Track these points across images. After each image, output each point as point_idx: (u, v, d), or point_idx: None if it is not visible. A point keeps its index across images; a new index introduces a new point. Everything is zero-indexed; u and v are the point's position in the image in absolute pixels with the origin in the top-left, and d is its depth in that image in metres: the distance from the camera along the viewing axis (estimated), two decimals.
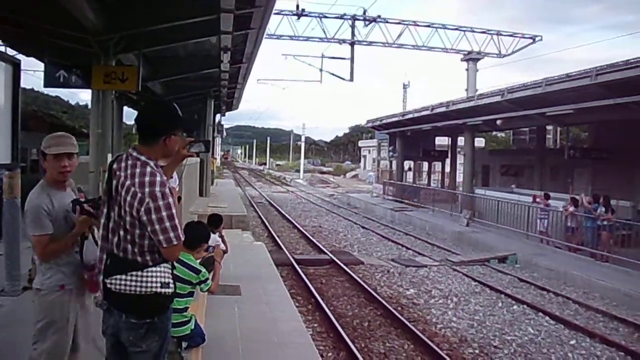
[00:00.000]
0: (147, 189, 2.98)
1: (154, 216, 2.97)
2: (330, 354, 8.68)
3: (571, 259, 16.21)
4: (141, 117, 3.33)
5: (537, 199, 19.40)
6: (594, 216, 16.46)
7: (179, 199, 5.29)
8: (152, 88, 19.20)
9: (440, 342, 9.50)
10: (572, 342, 9.90)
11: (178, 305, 4.56)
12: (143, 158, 3.10)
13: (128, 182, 3.05)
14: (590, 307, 12.15)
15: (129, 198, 3.02)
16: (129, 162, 3.13)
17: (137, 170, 3.06)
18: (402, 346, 9.28)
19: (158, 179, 3.03)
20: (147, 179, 3.01)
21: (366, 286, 12.88)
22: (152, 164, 3.09)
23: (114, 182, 3.16)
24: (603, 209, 16.40)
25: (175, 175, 4.55)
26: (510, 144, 45.56)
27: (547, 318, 11.23)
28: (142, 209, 2.97)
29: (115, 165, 3.19)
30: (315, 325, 10.09)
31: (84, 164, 13.32)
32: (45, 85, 12.90)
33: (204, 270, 5.07)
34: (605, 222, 16.08)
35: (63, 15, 10.47)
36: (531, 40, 36.35)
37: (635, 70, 14.87)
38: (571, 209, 17.51)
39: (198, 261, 5.20)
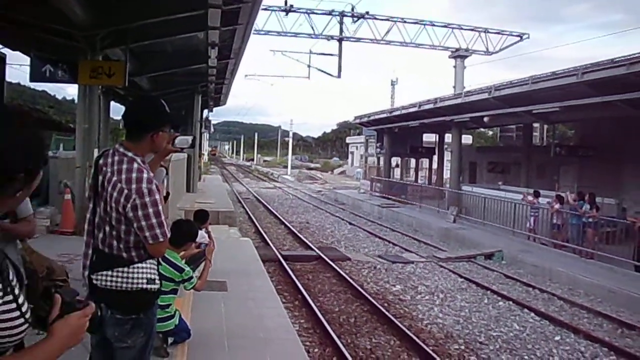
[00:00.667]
0: (134, 186, 2.98)
1: (140, 213, 2.97)
2: (316, 350, 8.69)
3: (557, 256, 16.32)
4: (129, 112, 3.31)
5: (529, 197, 19.45)
6: (579, 213, 16.60)
7: (167, 195, 5.27)
8: (139, 83, 19.13)
9: (426, 338, 9.54)
10: (557, 338, 9.97)
11: (161, 302, 4.56)
12: (130, 154, 3.09)
13: (115, 178, 3.05)
14: (574, 304, 12.25)
15: (115, 194, 3.01)
16: (116, 157, 3.12)
17: (124, 166, 3.05)
18: (388, 342, 9.31)
19: (145, 175, 3.02)
20: (134, 175, 3.00)
21: (353, 282, 12.90)
22: (139, 160, 3.09)
23: (100, 177, 3.15)
24: (588, 206, 16.55)
25: (162, 171, 4.54)
26: (498, 141, 45.72)
27: (532, 314, 11.30)
28: (129, 205, 2.97)
29: (101, 161, 3.18)
30: (302, 321, 10.09)
31: (70, 159, 13.29)
32: (31, 80, 12.81)
33: (187, 268, 5.07)
34: (590, 220, 16.21)
35: (49, 9, 10.42)
36: (518, 38, 36.51)
37: (620, 68, 15.00)
38: (556, 206, 17.64)
39: (183, 260, 5.20)
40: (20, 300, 1.32)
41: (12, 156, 1.37)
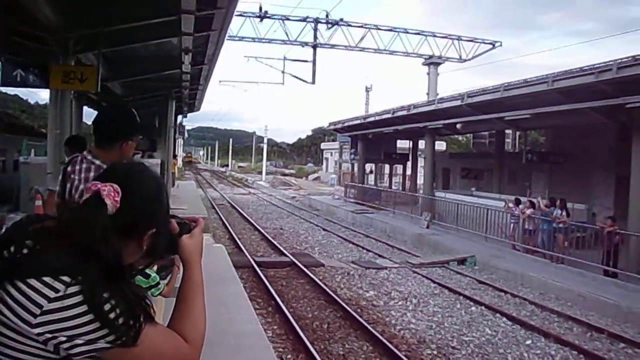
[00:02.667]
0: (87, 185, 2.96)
1: None
2: (289, 356, 8.68)
3: (528, 261, 16.52)
4: (100, 120, 3.29)
5: (510, 204, 19.56)
6: (551, 219, 16.82)
7: None
8: (112, 88, 18.93)
9: (399, 344, 9.58)
10: (528, 342, 10.09)
11: None
12: (98, 162, 3.07)
13: (82, 186, 3.01)
14: (545, 308, 12.40)
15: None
16: (84, 165, 3.09)
17: (91, 174, 3.03)
18: (361, 347, 9.33)
19: None
20: None
21: (326, 288, 12.91)
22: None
23: (68, 185, 3.12)
24: (559, 212, 16.77)
25: None
26: (471, 148, 46.13)
27: (504, 319, 11.42)
28: None
29: (69, 168, 3.15)
30: (275, 327, 10.08)
31: (42, 164, 13.11)
32: (2, 84, 12.65)
33: (154, 274, 5.03)
34: (561, 225, 16.44)
35: (20, 11, 10.28)
36: (491, 46, 36.93)
37: (589, 77, 15.25)
38: (528, 211, 17.85)
39: (155, 267, 5.15)
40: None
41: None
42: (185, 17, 11.26)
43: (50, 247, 1.26)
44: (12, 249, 1.26)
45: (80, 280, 1.21)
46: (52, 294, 1.19)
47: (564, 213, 16.74)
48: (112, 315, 1.23)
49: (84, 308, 1.20)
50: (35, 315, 1.18)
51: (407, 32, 35.80)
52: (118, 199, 1.38)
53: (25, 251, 1.25)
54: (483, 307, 12.20)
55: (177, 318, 1.52)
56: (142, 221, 1.46)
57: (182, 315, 1.52)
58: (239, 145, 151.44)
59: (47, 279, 1.20)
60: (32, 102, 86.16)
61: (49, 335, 1.19)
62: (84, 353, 1.24)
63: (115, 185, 1.39)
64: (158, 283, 5.02)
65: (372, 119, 32.71)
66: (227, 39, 17.53)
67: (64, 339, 1.20)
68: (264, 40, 33.54)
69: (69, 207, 1.47)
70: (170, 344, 1.41)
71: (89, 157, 3.10)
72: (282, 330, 9.92)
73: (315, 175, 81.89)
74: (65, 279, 1.20)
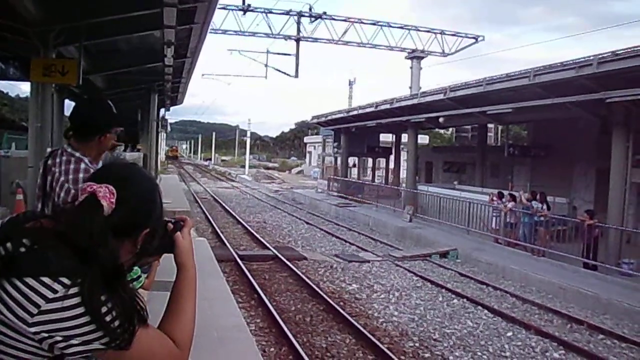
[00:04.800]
0: (80, 185, 2.95)
1: None
2: (272, 349, 8.70)
3: (510, 254, 16.67)
4: (78, 113, 3.29)
5: (493, 198, 19.70)
6: (532, 212, 16.97)
7: None
8: (94, 81, 18.80)
9: (381, 336, 9.63)
10: (509, 334, 10.19)
11: None
12: (77, 154, 3.06)
13: (62, 178, 3.01)
14: (526, 300, 12.53)
15: (62, 194, 2.98)
16: (64, 158, 3.08)
17: (72, 166, 3.03)
18: (343, 340, 9.36)
19: None
20: (80, 175, 2.98)
21: (309, 281, 12.94)
22: (86, 160, 3.06)
23: (49, 178, 3.11)
24: (540, 206, 16.93)
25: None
26: (453, 141, 46.35)
27: (485, 311, 11.53)
28: None
29: (49, 162, 3.14)
30: (258, 320, 10.09)
31: (23, 158, 12.98)
32: None
33: (135, 268, 5.02)
34: (542, 218, 16.61)
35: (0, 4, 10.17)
36: (474, 40, 37.00)
37: (570, 71, 15.38)
38: (509, 205, 18.00)
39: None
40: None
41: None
42: (168, 10, 11.18)
43: (48, 247, 1.26)
44: (8, 246, 1.26)
45: (79, 282, 1.22)
46: (50, 295, 1.20)
47: (545, 207, 16.91)
48: (108, 318, 1.24)
49: (81, 310, 1.21)
50: (32, 314, 1.19)
51: (391, 26, 35.79)
52: (114, 200, 1.39)
53: (22, 250, 1.26)
54: (465, 300, 12.30)
55: (168, 319, 1.54)
56: (137, 221, 1.47)
57: (173, 317, 1.55)
58: (222, 138, 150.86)
59: (45, 279, 1.20)
60: (12, 95, 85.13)
61: (45, 335, 1.20)
62: (78, 353, 1.25)
63: (111, 187, 1.40)
64: (139, 276, 5.02)
65: (355, 112, 32.77)
66: (210, 32, 17.51)
67: (59, 338, 1.21)
68: (247, 34, 33.39)
69: (65, 207, 1.47)
70: (161, 347, 1.43)
71: (69, 150, 3.09)
72: (265, 324, 9.93)
73: (299, 168, 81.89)
74: (64, 280, 1.21)
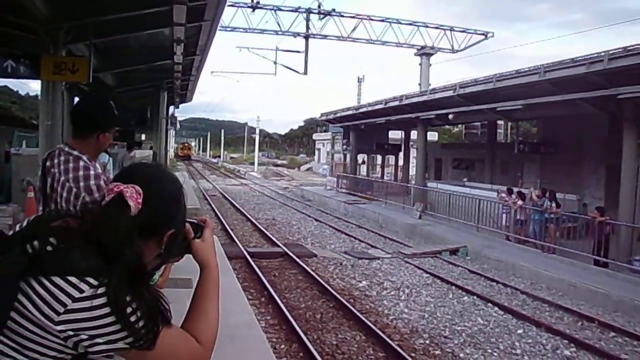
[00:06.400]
0: (82, 183, 2.95)
1: None
2: (282, 346, 8.72)
3: (519, 251, 16.61)
4: (78, 111, 3.31)
5: (502, 194, 19.65)
6: (542, 210, 16.91)
7: None
8: (104, 79, 18.86)
9: (391, 333, 9.62)
10: (520, 331, 10.16)
11: None
12: (75, 153, 3.06)
13: (62, 178, 3.01)
14: (537, 297, 12.48)
15: (65, 194, 2.98)
16: (62, 157, 3.07)
17: (71, 165, 3.03)
18: (354, 337, 9.37)
19: (92, 172, 3.00)
20: (80, 173, 2.99)
21: (319, 278, 12.93)
22: (85, 158, 3.06)
23: (49, 179, 3.11)
24: (549, 203, 16.86)
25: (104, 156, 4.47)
26: (463, 138, 46.22)
27: (495, 308, 11.49)
28: (79, 203, 2.95)
29: (48, 163, 3.14)
30: (268, 317, 10.11)
31: (33, 156, 13.05)
32: None
33: None
34: (552, 215, 16.54)
35: (10, 2, 10.22)
36: (483, 37, 36.94)
37: (581, 67, 15.31)
38: (519, 202, 17.94)
39: None
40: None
41: None
42: (177, 8, 11.23)
43: (75, 246, 1.27)
44: (35, 244, 1.27)
45: (105, 282, 1.24)
46: (76, 294, 1.21)
47: (554, 204, 16.83)
48: (132, 319, 1.26)
49: (106, 310, 1.23)
50: (58, 313, 1.21)
51: (400, 23, 35.78)
52: (140, 200, 1.39)
53: (49, 248, 1.27)
54: (475, 297, 12.27)
55: (191, 318, 1.55)
56: (162, 222, 1.48)
57: (197, 316, 1.56)
58: (231, 136, 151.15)
59: (72, 278, 1.22)
60: (22, 93, 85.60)
61: (71, 333, 1.22)
62: (102, 352, 1.27)
63: (137, 187, 1.40)
64: (153, 274, 5.03)
65: (364, 109, 32.74)
66: (219, 30, 17.52)
67: (85, 337, 1.23)
68: (256, 31, 33.47)
69: (91, 207, 1.48)
70: (185, 346, 1.44)
71: (66, 149, 3.10)
72: (275, 321, 9.95)
73: (308, 166, 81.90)
74: (91, 280, 1.23)
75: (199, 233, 1.68)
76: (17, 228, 1.42)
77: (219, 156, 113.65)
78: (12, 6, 10.48)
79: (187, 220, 1.65)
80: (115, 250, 1.29)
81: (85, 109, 3.37)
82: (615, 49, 14.55)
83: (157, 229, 1.47)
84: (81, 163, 3.03)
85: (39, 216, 1.47)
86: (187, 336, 1.47)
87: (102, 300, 1.23)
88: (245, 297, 9.16)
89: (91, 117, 3.20)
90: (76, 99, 21.34)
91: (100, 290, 1.23)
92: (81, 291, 1.22)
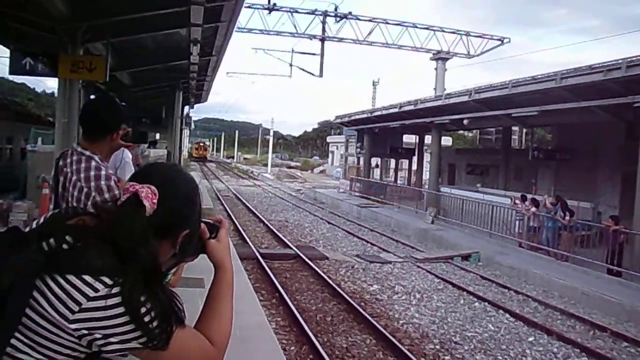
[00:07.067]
0: (92, 183, 2.98)
1: None
2: (293, 348, 8.73)
3: (532, 258, 16.52)
4: (90, 112, 3.31)
5: (516, 201, 19.56)
6: (555, 218, 16.81)
7: None
8: (120, 78, 19.01)
9: (402, 338, 9.61)
10: (531, 339, 10.11)
11: None
12: (87, 153, 3.08)
13: (74, 178, 3.04)
14: (549, 305, 12.42)
15: (76, 193, 3.01)
16: (74, 157, 3.10)
17: (82, 165, 3.05)
18: (364, 341, 9.37)
19: (103, 172, 3.03)
20: (92, 173, 3.01)
21: (330, 281, 12.94)
22: (96, 158, 3.08)
23: (61, 179, 3.14)
24: (562, 213, 16.71)
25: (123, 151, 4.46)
26: (477, 144, 46.06)
27: (507, 315, 11.45)
28: (90, 203, 2.97)
29: (61, 162, 3.16)
30: (279, 319, 10.12)
31: (49, 153, 13.17)
32: (11, 73, 12.69)
33: None
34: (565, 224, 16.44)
35: (29, 1, 10.33)
36: (499, 42, 36.74)
37: (598, 75, 15.23)
38: (533, 209, 17.85)
39: None
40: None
41: None
42: (195, 8, 11.30)
43: (91, 245, 1.29)
44: (51, 242, 1.29)
45: (120, 282, 1.25)
46: (91, 293, 1.23)
47: (567, 215, 16.66)
48: (147, 319, 1.27)
49: (121, 310, 1.24)
50: (73, 312, 1.22)
51: (416, 27, 35.66)
52: (156, 200, 1.40)
53: (65, 246, 1.29)
54: (486, 303, 12.22)
55: (205, 319, 1.56)
56: (177, 223, 1.49)
57: (210, 317, 1.57)
58: (245, 137, 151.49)
59: (87, 277, 1.23)
60: (39, 90, 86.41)
61: (85, 332, 1.24)
62: (116, 351, 1.29)
63: (153, 187, 1.42)
64: (167, 274, 5.05)
65: (378, 113, 32.71)
66: (236, 31, 17.56)
67: (99, 336, 1.25)
68: (272, 33, 33.49)
69: (107, 206, 1.49)
70: (198, 347, 1.45)
71: (79, 149, 3.12)
72: (286, 322, 9.97)
73: (321, 168, 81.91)
74: (106, 279, 1.24)
75: (215, 233, 1.68)
76: (33, 225, 1.44)
77: (233, 157, 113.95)
78: (33, 6, 10.59)
79: (203, 220, 1.65)
80: (131, 250, 1.30)
81: (95, 111, 3.36)
82: (634, 57, 14.46)
83: (172, 229, 1.48)
84: (93, 163, 3.05)
85: (55, 214, 1.48)
86: (200, 337, 1.48)
87: (117, 299, 1.24)
88: (256, 298, 9.19)
89: (100, 119, 3.20)
90: (92, 97, 21.53)
91: (115, 289, 1.24)
92: (96, 290, 1.23)
